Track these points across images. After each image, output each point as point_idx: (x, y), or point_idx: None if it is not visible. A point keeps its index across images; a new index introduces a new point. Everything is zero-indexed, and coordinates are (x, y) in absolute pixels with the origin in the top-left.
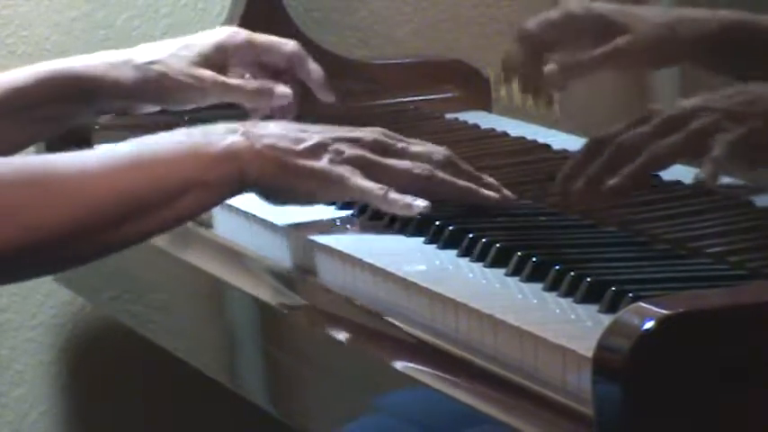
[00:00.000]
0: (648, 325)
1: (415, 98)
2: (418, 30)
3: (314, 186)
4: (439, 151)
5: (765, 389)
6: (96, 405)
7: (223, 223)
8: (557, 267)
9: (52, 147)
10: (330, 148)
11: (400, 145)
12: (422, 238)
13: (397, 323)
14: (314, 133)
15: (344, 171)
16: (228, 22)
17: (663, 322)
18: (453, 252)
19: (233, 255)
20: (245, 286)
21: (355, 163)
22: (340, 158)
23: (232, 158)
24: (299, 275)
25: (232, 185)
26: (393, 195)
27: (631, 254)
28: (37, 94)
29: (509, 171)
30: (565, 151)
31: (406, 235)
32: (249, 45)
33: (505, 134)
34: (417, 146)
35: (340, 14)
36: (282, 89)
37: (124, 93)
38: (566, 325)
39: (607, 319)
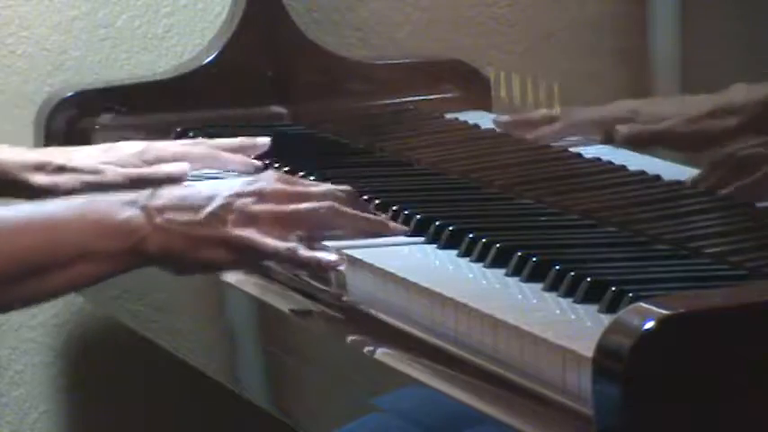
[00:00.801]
0: (648, 325)
1: (415, 98)
2: (418, 30)
3: (222, 254)
4: (338, 188)
5: (765, 389)
6: (96, 405)
7: None
8: (557, 267)
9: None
10: (233, 208)
11: (300, 188)
12: (422, 238)
13: (397, 323)
14: (213, 196)
15: (250, 234)
16: (228, 22)
17: (663, 322)
18: (453, 252)
19: None
20: (245, 286)
21: (260, 219)
22: (244, 218)
23: (129, 233)
24: (299, 275)
25: (129, 259)
26: (302, 253)
27: (631, 254)
28: None
29: (509, 171)
30: (565, 151)
31: (406, 235)
32: (159, 159)
33: (505, 134)
34: (317, 187)
35: (340, 14)
36: (180, 168)
37: (36, 193)
38: (566, 325)
39: (607, 319)
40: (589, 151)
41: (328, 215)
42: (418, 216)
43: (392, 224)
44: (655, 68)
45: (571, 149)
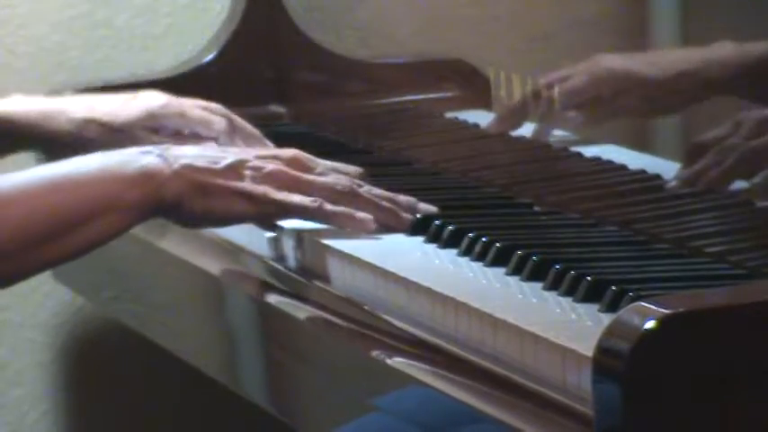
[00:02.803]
0: (649, 325)
1: (415, 98)
2: (418, 30)
3: (239, 205)
4: (355, 169)
5: (765, 389)
6: (96, 405)
7: None
8: (557, 267)
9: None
10: (250, 165)
11: (320, 166)
12: (422, 238)
13: (397, 323)
14: (231, 152)
15: (267, 188)
16: (228, 22)
17: (663, 322)
18: (453, 252)
19: (233, 254)
20: (245, 286)
21: (277, 178)
22: (261, 175)
23: (147, 179)
24: (299, 275)
25: (149, 206)
26: (329, 206)
27: (631, 253)
28: None
29: (509, 171)
30: (565, 150)
31: (406, 235)
32: (179, 116)
33: (505, 134)
34: (333, 168)
35: (340, 14)
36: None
37: (57, 144)
38: (566, 325)
39: (607, 319)
40: (589, 151)
41: (344, 193)
42: (418, 216)
43: (402, 215)
44: None
45: (571, 149)
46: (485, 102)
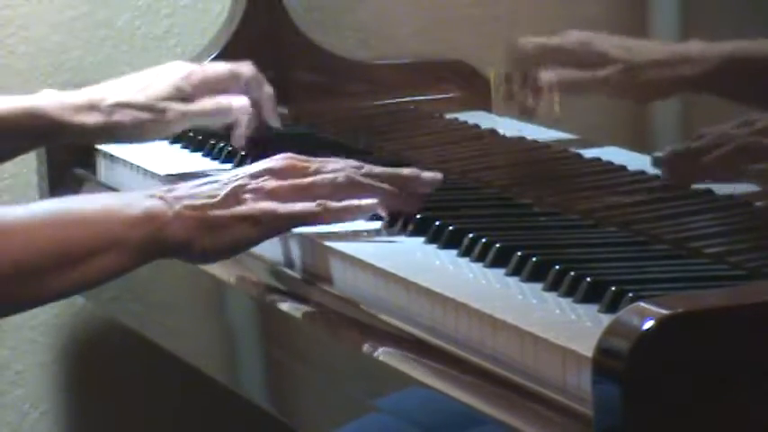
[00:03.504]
0: (648, 325)
1: (415, 98)
2: (418, 30)
3: (246, 230)
4: (351, 162)
5: (765, 389)
6: (96, 405)
7: None
8: (557, 267)
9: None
10: (247, 188)
11: (314, 165)
12: (422, 238)
13: (397, 323)
14: (225, 182)
15: (271, 205)
16: (229, 22)
17: (663, 322)
18: (453, 252)
19: None
20: (245, 286)
21: (278, 193)
22: (260, 195)
23: (149, 221)
24: (299, 275)
25: (151, 248)
26: (333, 204)
27: (631, 254)
28: (7, 127)
29: (509, 171)
30: (565, 151)
31: (406, 235)
32: (205, 82)
33: (505, 134)
34: (330, 162)
35: (340, 14)
36: (239, 103)
37: (89, 135)
38: (566, 325)
39: (607, 319)
40: (589, 152)
41: (346, 184)
42: (418, 216)
43: (406, 195)
44: None
45: (571, 149)
46: (485, 102)
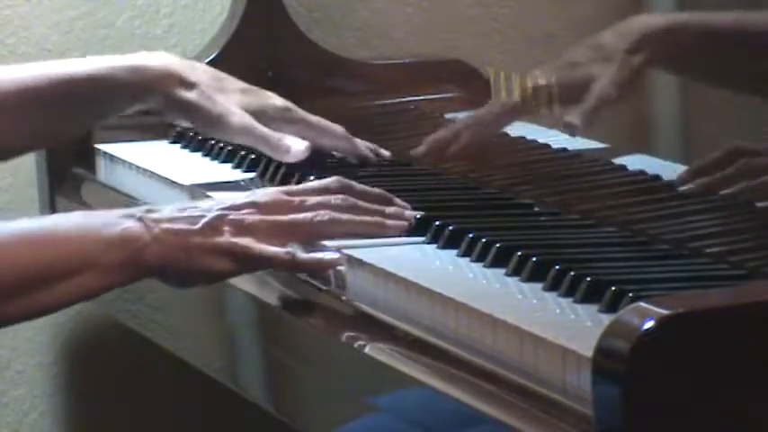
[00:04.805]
0: (648, 325)
1: (415, 98)
2: (418, 30)
3: (220, 263)
4: (336, 197)
5: (765, 389)
6: (96, 405)
7: None
8: (557, 267)
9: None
10: (229, 219)
11: (297, 199)
12: (422, 238)
13: (397, 323)
14: (209, 208)
15: (248, 242)
16: (229, 21)
17: (663, 322)
18: (453, 252)
19: None
20: (245, 286)
21: (257, 229)
22: (241, 228)
23: (127, 243)
24: (299, 275)
25: (128, 270)
26: (301, 256)
27: (631, 254)
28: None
29: (509, 171)
30: (565, 151)
31: (406, 235)
32: (296, 123)
33: (506, 134)
34: (314, 196)
35: (340, 14)
36: (297, 149)
37: (170, 106)
38: (566, 325)
39: (607, 319)
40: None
41: (325, 224)
42: (418, 216)
43: (390, 223)
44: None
45: (571, 149)
46: (484, 102)
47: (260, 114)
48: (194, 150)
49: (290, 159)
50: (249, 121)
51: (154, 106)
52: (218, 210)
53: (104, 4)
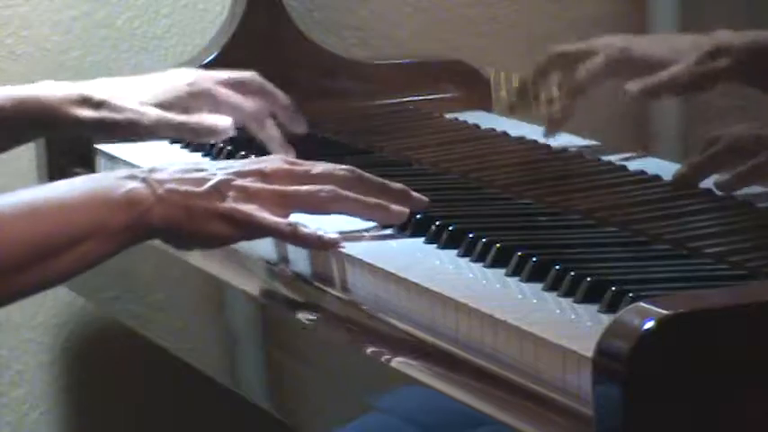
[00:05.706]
0: (648, 325)
1: (415, 98)
2: (418, 30)
3: (222, 228)
4: (342, 169)
5: (765, 389)
6: (96, 405)
7: None
8: (557, 267)
9: (53, 147)
10: (234, 185)
11: (302, 169)
12: (422, 238)
13: (397, 323)
14: (215, 172)
15: (251, 209)
16: (228, 22)
17: (663, 322)
18: (453, 252)
19: (233, 255)
20: (245, 286)
21: (260, 197)
22: (244, 195)
23: (132, 205)
24: (299, 276)
25: (134, 232)
26: (303, 230)
27: (631, 254)
28: (10, 115)
29: (509, 171)
30: (565, 151)
31: (406, 235)
32: (207, 97)
33: (505, 134)
34: (320, 167)
35: (340, 14)
36: (224, 124)
37: (81, 128)
38: (566, 325)
39: (607, 319)
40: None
41: (329, 198)
42: (418, 216)
43: (393, 208)
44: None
45: (571, 149)
46: (485, 102)
47: (176, 102)
48: (194, 150)
49: (219, 138)
50: (161, 114)
51: (68, 132)
52: (223, 174)
53: (104, 4)
